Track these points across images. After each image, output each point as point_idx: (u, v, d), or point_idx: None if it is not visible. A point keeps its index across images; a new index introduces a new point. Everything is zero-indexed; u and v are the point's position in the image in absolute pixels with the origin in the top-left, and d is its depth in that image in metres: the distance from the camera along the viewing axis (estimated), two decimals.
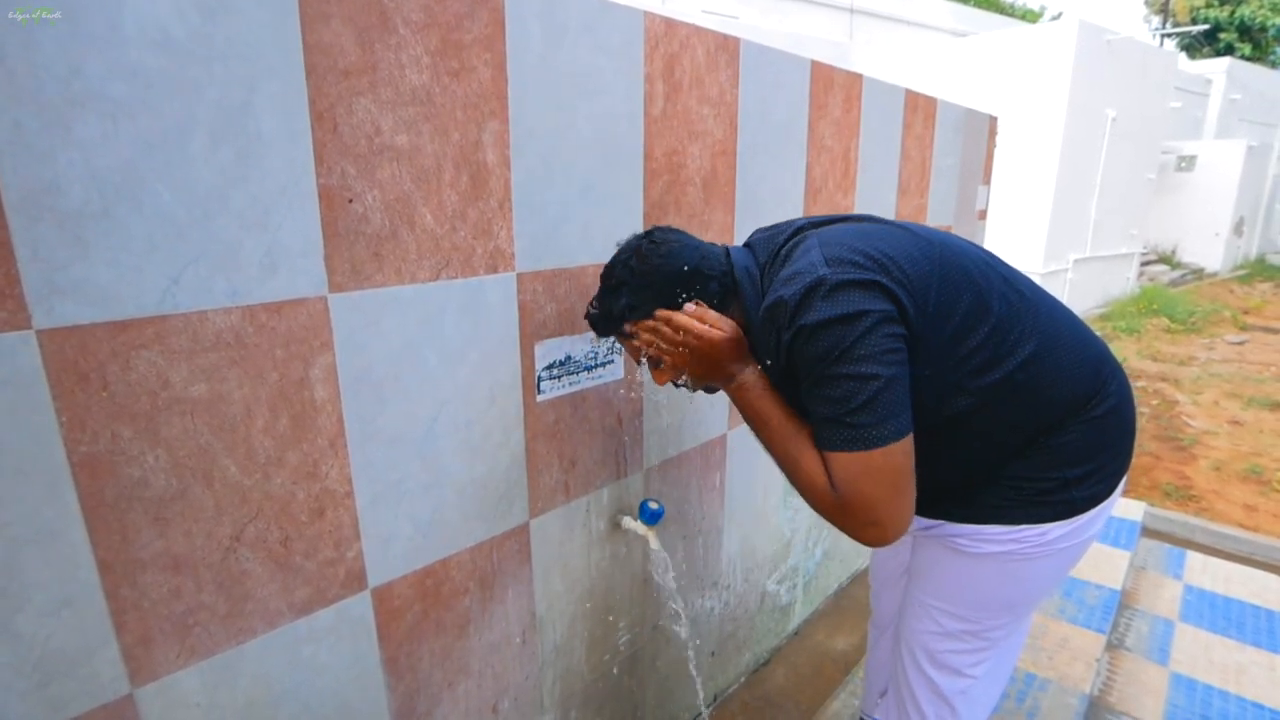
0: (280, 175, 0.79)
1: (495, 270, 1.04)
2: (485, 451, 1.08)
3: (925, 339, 0.87)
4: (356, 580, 0.95)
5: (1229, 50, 18.94)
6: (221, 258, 0.76)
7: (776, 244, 0.99)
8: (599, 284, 1.06)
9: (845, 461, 0.84)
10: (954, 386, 0.91)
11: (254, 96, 0.76)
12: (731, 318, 0.99)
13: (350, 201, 0.85)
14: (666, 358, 1.01)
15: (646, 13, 1.21)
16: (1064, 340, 0.96)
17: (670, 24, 1.25)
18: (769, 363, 0.95)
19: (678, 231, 1.04)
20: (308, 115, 0.80)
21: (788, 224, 1.05)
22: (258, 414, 0.81)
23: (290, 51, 0.78)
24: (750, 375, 0.97)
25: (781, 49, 1.53)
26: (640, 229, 1.28)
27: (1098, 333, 1.06)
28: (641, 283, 0.99)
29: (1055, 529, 0.98)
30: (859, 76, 1.83)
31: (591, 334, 1.22)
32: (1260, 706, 1.87)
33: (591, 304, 1.07)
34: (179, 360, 0.74)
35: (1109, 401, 0.99)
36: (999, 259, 1.02)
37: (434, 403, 0.99)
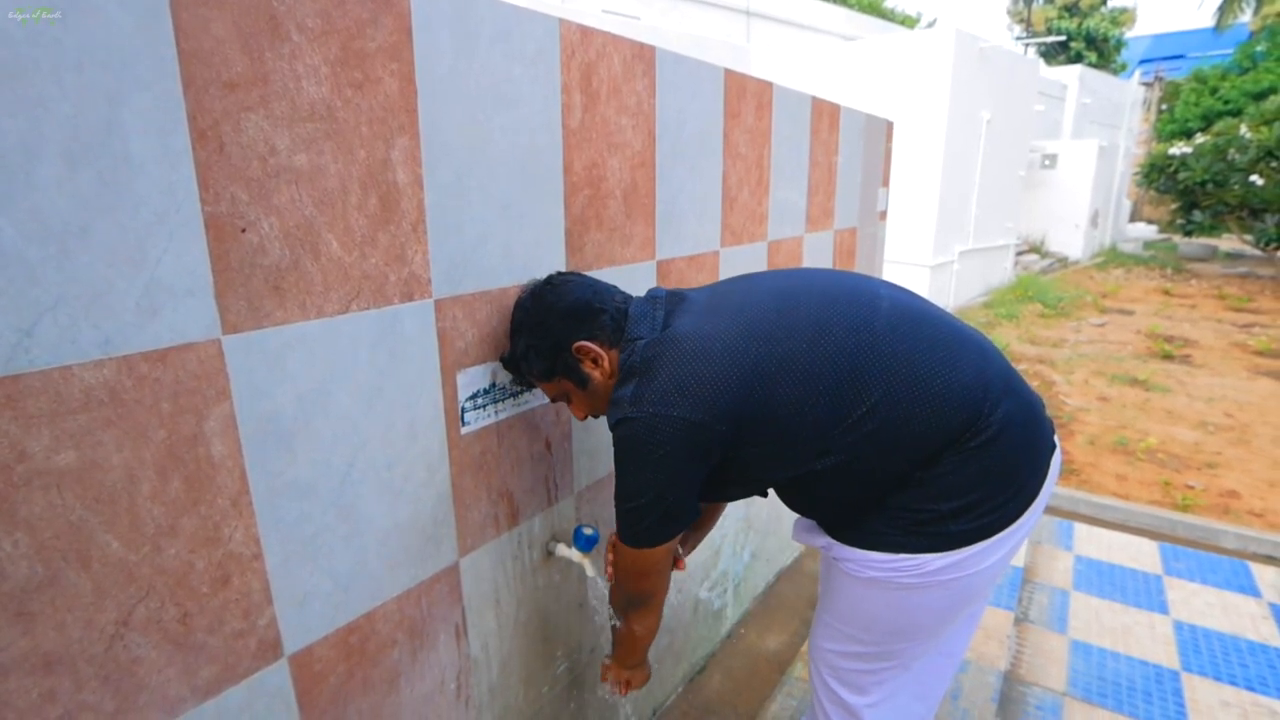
0: (156, 202, 0.69)
1: (411, 298, 0.96)
2: (408, 493, 1.00)
3: (748, 433, 0.96)
4: (270, 649, 0.85)
5: (1079, 58, 20.92)
6: (87, 302, 0.65)
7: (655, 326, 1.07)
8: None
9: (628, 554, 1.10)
10: (817, 451, 0.96)
11: (119, 112, 0.65)
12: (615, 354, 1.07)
13: (243, 230, 0.76)
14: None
15: (562, 20, 1.16)
16: (921, 375, 0.94)
17: (586, 32, 1.21)
18: None
19: (579, 274, 1.14)
20: (188, 133, 0.70)
21: (657, 302, 1.10)
22: (143, 479, 0.70)
23: (163, 61, 0.68)
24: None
25: (688, 52, 1.52)
26: (562, 246, 1.23)
27: (983, 321, 1.11)
28: (536, 321, 1.07)
29: (935, 560, 0.98)
30: (769, 84, 1.85)
31: None
32: (1145, 663, 2.05)
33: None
34: (38, 426, 0.62)
35: (988, 432, 0.95)
36: (858, 291, 1.02)
37: (349, 446, 0.91)
